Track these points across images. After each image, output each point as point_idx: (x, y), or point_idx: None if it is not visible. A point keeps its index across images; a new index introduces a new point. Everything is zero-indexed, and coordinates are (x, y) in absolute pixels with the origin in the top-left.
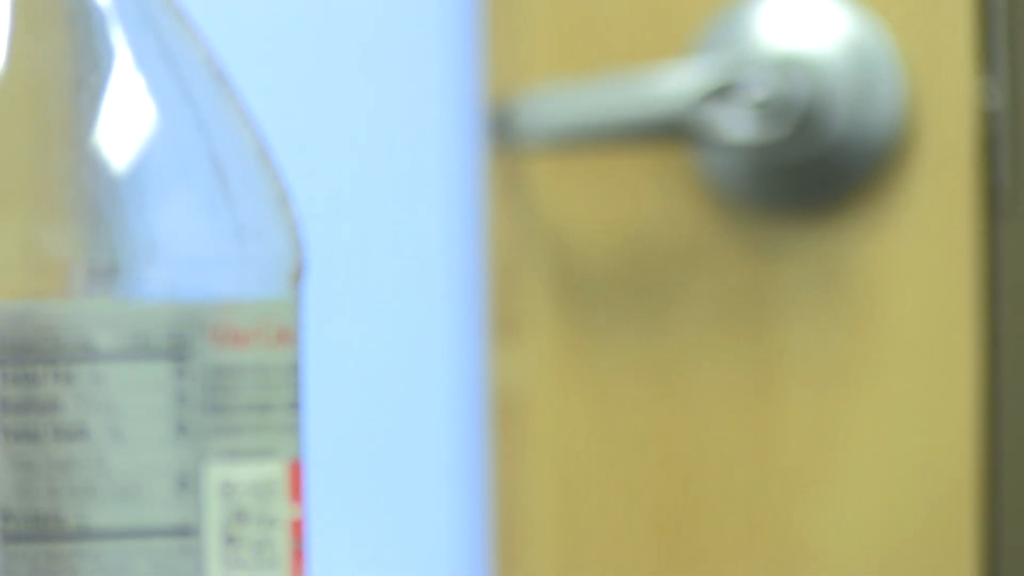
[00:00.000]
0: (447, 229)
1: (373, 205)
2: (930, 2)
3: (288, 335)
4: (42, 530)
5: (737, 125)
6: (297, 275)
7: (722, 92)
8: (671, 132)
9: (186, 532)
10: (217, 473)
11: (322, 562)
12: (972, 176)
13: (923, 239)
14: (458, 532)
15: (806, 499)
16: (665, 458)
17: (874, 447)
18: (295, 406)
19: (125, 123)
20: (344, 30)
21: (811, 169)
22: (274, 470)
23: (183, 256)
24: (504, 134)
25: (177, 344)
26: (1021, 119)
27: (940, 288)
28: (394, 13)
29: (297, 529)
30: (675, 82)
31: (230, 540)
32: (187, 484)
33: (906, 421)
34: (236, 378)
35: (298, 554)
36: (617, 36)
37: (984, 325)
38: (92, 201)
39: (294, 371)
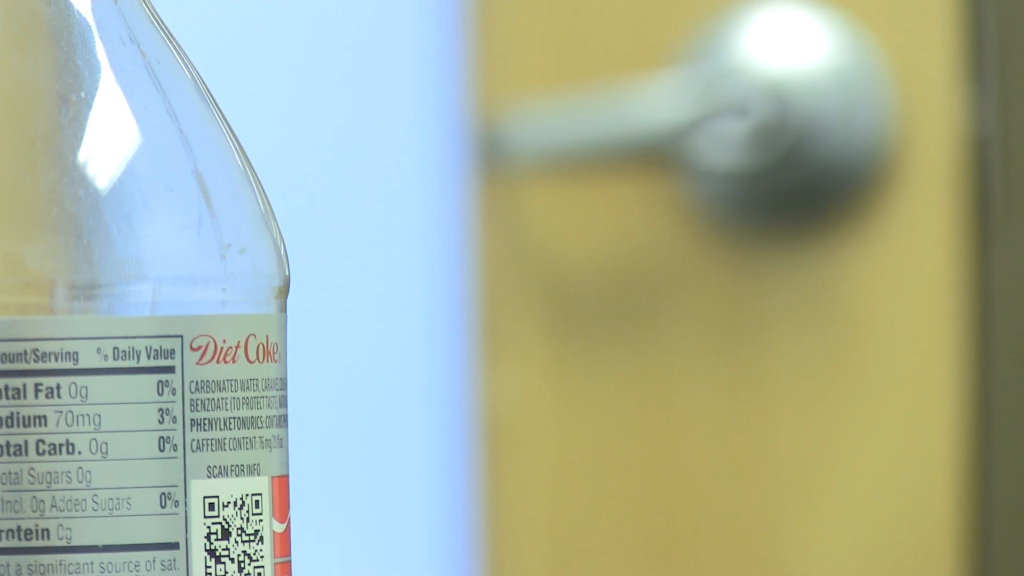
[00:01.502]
0: (434, 248)
1: (359, 223)
2: (919, 20)
3: (273, 351)
4: (26, 544)
5: (724, 150)
6: (282, 291)
7: (709, 116)
8: (657, 156)
9: (170, 547)
10: (201, 488)
11: None
12: (958, 197)
13: (909, 260)
14: (447, 551)
15: (794, 515)
16: (654, 475)
17: (861, 464)
18: (280, 421)
19: (109, 139)
20: (329, 49)
21: (797, 191)
22: (258, 485)
23: (167, 272)
24: (490, 153)
25: (161, 359)
26: (1011, 138)
27: (926, 307)
28: (379, 29)
29: (282, 544)
30: (661, 106)
31: (214, 555)
32: (171, 499)
33: (892, 438)
34: (220, 393)
35: (283, 569)
36: (604, 50)
37: (972, 343)
38: (75, 217)
39: (279, 386)
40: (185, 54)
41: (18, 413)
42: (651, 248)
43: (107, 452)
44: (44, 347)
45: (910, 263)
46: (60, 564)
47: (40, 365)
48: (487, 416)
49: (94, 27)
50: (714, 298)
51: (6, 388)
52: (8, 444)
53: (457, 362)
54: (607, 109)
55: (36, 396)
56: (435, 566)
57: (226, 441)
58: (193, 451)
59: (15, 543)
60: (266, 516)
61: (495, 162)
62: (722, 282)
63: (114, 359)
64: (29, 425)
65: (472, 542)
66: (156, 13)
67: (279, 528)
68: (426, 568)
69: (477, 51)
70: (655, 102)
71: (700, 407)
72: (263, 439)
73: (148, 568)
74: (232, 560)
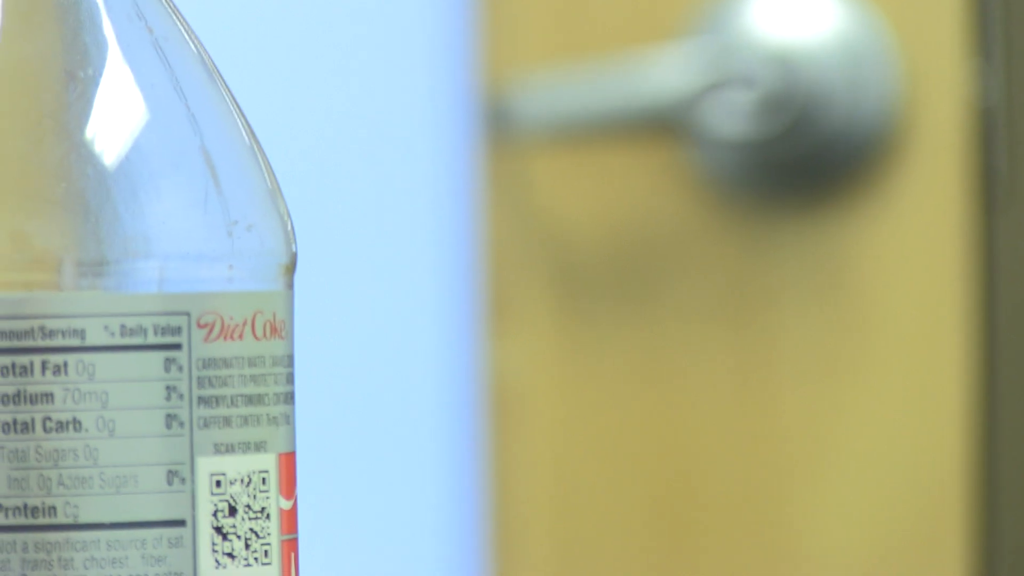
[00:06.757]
0: (441, 220)
1: (366, 196)
2: None
3: (280, 328)
4: (32, 521)
5: (731, 120)
6: (289, 268)
7: (717, 86)
8: (664, 126)
9: (176, 524)
10: (207, 465)
11: (314, 556)
12: (965, 168)
13: (916, 231)
14: (452, 524)
15: (799, 489)
16: (660, 448)
17: (866, 438)
18: (287, 398)
19: (116, 116)
20: (335, 20)
21: (804, 161)
22: (265, 462)
23: (174, 249)
24: (498, 124)
25: (168, 336)
26: (1016, 109)
27: (933, 281)
28: (385, 2)
29: (288, 521)
30: (669, 76)
31: (220, 532)
32: (177, 476)
33: (898, 412)
34: (227, 370)
35: (289, 546)
36: (611, 21)
37: (978, 313)
38: (82, 194)
39: (286, 363)
40: (192, 31)
41: (25, 390)
42: (658, 218)
43: (114, 429)
44: (51, 324)
45: (917, 233)
46: (67, 541)
47: (47, 342)
48: (494, 387)
49: (101, 3)
50: (721, 269)
51: (13, 365)
52: (15, 422)
53: (464, 333)
54: (615, 79)
55: (43, 373)
56: (443, 534)
57: (233, 418)
58: (200, 428)
59: (22, 520)
60: (273, 493)
61: (503, 132)
62: (729, 253)
63: (121, 336)
64: (36, 403)
65: (479, 512)
66: None
67: (286, 505)
68: (434, 536)
69: (485, 21)
70: (662, 72)
71: (706, 378)
72: (270, 416)
73: (155, 545)
74: (239, 537)
